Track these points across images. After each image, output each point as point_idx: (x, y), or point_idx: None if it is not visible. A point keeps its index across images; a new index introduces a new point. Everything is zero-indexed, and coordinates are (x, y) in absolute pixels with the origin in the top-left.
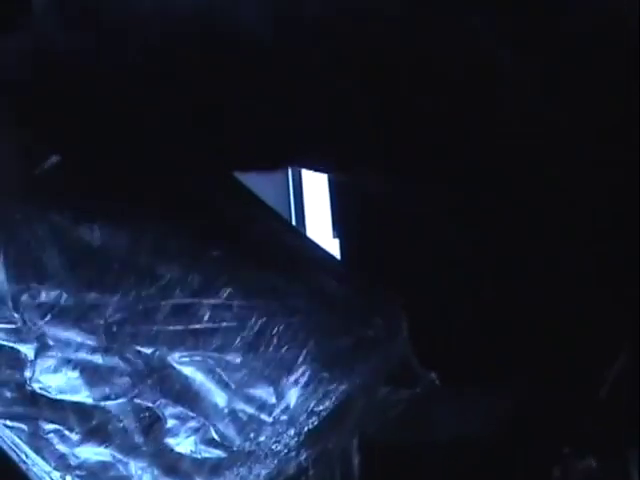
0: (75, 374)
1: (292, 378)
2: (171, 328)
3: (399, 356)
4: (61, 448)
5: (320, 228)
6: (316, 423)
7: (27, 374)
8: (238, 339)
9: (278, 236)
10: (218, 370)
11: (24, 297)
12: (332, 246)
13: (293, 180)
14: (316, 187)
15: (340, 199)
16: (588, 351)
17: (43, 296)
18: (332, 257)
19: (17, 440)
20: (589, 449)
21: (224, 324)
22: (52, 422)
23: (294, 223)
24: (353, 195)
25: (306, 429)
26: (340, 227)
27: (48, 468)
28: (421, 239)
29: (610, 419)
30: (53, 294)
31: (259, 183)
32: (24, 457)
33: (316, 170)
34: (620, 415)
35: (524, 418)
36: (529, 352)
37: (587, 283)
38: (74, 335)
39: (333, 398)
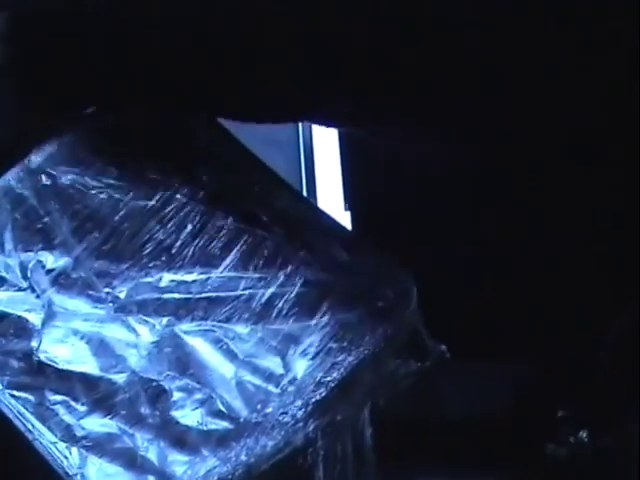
0: (82, 344)
1: (300, 349)
2: (178, 298)
3: (409, 328)
4: (67, 419)
5: (332, 201)
6: (324, 394)
7: (34, 344)
8: (246, 309)
9: (287, 205)
10: (226, 340)
11: (32, 264)
12: (344, 219)
13: (304, 153)
14: (328, 160)
15: (352, 172)
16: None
17: (51, 263)
18: (342, 227)
19: (23, 410)
20: (584, 420)
21: (232, 294)
22: (58, 393)
23: (303, 187)
24: (365, 168)
25: (313, 400)
26: (352, 200)
27: (54, 439)
28: (433, 211)
29: (609, 392)
30: (61, 262)
31: (270, 156)
32: (30, 427)
33: (329, 125)
34: (620, 388)
35: (526, 396)
36: (537, 329)
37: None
38: (81, 304)
39: (341, 369)
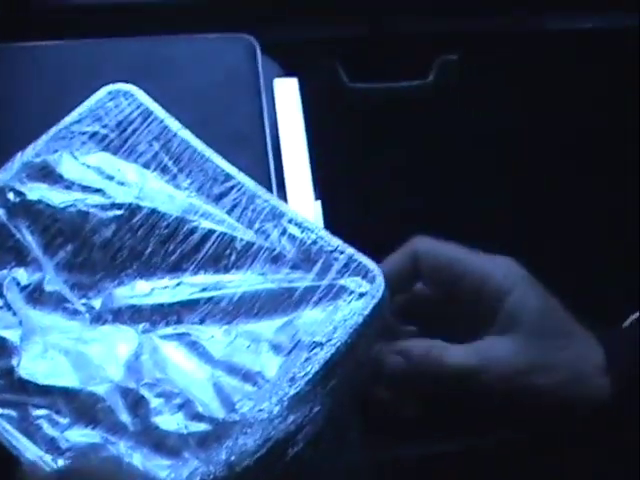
0: (61, 358)
1: (274, 346)
2: (152, 304)
3: (380, 316)
4: (51, 432)
5: (302, 191)
6: (298, 389)
7: (14, 361)
8: (219, 310)
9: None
10: (201, 343)
11: (6, 282)
12: (314, 208)
13: (272, 143)
14: (296, 151)
15: (321, 160)
16: None
17: (25, 280)
18: (308, 221)
19: (7, 427)
20: None
21: (204, 296)
22: (41, 407)
23: (274, 186)
24: (334, 156)
25: (289, 396)
26: (322, 188)
27: (40, 452)
28: (407, 198)
29: None
30: (35, 277)
31: (237, 146)
32: (15, 443)
33: None
34: None
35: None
36: None
37: None
38: (58, 318)
39: (315, 363)
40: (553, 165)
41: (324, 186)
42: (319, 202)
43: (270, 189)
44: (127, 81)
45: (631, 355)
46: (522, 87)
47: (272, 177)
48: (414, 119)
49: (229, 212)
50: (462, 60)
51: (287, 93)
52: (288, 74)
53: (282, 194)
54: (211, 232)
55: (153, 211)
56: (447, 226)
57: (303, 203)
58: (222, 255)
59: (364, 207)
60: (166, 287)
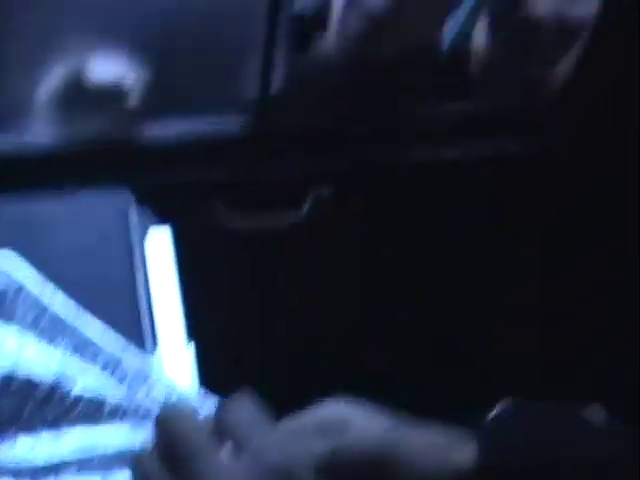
0: None
1: None
2: (32, 462)
3: None
4: None
5: (172, 336)
6: None
7: None
8: (94, 465)
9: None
10: None
11: None
12: (186, 352)
13: (146, 293)
14: (167, 297)
15: (197, 302)
16: None
17: None
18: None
19: None
20: None
21: (81, 452)
22: None
23: (147, 335)
24: (206, 298)
25: None
26: (194, 331)
27: None
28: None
29: None
30: None
31: (111, 301)
32: None
33: None
34: None
35: None
36: None
37: None
38: None
39: None
40: (421, 298)
41: (200, 328)
42: (192, 344)
43: (142, 339)
44: (3, 242)
45: (502, 444)
46: (393, 219)
47: (144, 327)
48: (289, 254)
49: (101, 373)
50: (334, 194)
51: (159, 243)
52: (165, 218)
53: (154, 341)
54: (84, 393)
55: (30, 376)
56: (320, 366)
57: (174, 348)
58: (95, 414)
59: (240, 347)
60: (44, 446)
